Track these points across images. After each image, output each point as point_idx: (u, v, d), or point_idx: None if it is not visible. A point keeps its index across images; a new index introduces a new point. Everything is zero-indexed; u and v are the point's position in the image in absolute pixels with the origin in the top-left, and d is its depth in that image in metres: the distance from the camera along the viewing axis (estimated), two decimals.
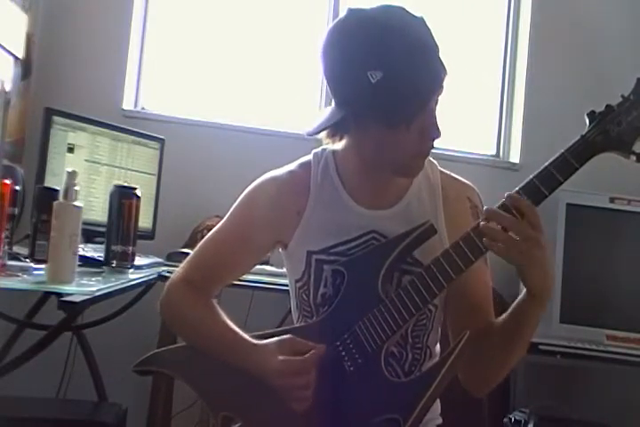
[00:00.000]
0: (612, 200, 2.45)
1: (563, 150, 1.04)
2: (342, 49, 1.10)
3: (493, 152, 2.98)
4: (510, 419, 2.19)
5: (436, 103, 1.13)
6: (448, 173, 1.30)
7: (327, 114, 1.14)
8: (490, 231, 1.03)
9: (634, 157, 1.03)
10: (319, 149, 1.29)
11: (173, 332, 1.40)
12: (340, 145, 1.25)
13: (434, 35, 1.10)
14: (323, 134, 1.19)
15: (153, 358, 1.26)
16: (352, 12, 1.12)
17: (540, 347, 2.21)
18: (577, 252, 2.43)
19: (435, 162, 1.29)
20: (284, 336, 1.14)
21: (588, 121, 1.05)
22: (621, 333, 2.35)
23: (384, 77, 1.04)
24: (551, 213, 2.35)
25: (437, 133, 1.12)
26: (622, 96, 1.04)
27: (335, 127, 1.16)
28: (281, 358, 1.09)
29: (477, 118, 3.00)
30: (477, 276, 1.18)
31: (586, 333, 2.34)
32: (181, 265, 1.31)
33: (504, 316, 1.13)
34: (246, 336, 1.17)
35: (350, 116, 1.11)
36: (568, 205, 2.42)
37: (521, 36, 2.96)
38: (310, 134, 1.15)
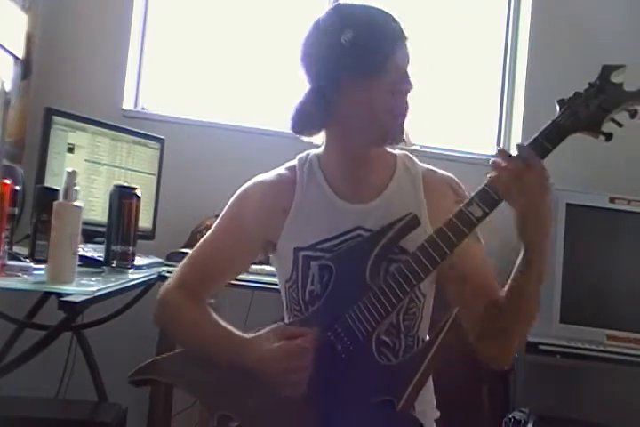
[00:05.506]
0: (611, 200, 2.45)
1: (536, 134, 1.11)
2: (317, 31, 1.22)
3: (493, 152, 2.97)
4: (510, 419, 2.19)
5: (408, 62, 1.20)
6: (427, 166, 1.33)
7: (300, 100, 1.23)
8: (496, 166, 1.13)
9: (603, 137, 1.07)
10: (304, 154, 1.34)
11: (169, 335, 1.41)
12: (321, 149, 1.30)
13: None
14: (306, 125, 1.25)
15: (149, 367, 1.26)
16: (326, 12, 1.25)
17: (540, 347, 2.21)
18: (577, 252, 2.43)
19: (413, 156, 1.33)
20: (274, 325, 1.17)
21: (558, 107, 1.12)
22: (621, 333, 2.34)
23: (354, 36, 1.15)
24: (551, 213, 2.35)
25: (409, 84, 1.19)
26: (589, 83, 1.11)
27: (312, 106, 1.21)
28: (276, 344, 1.12)
29: (477, 118, 3.00)
30: (472, 256, 1.20)
31: (586, 333, 2.34)
32: (176, 269, 1.34)
33: (508, 282, 1.15)
34: (239, 333, 1.20)
35: (324, 86, 1.17)
36: (568, 205, 2.41)
37: (521, 35, 2.96)
38: (294, 127, 1.24)
